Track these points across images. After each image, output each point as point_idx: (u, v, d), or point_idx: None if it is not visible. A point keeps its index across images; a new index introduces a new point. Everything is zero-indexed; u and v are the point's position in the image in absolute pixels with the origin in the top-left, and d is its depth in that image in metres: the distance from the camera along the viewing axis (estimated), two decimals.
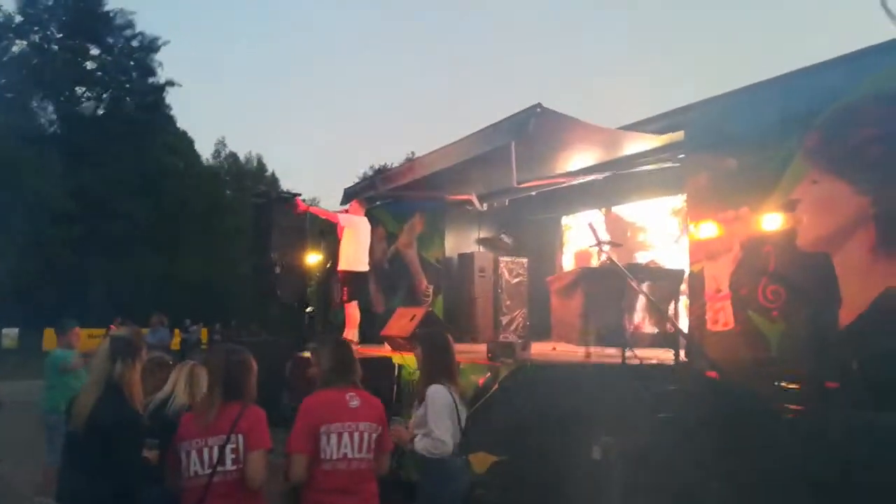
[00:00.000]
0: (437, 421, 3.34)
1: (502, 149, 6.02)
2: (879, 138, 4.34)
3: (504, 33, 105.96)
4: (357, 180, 38.16)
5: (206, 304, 26.76)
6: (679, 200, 7.92)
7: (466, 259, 9.25)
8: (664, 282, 6.32)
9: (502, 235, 9.58)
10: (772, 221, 4.97)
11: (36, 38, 33.71)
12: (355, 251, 7.88)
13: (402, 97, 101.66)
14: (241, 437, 2.81)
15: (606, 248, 5.85)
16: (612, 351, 6.40)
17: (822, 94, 4.72)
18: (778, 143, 4.94)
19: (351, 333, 7.87)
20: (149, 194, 31.78)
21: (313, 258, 11.11)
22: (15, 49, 33.49)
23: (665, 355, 6.02)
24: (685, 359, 5.65)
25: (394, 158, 41.65)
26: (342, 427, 2.99)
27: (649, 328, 6.86)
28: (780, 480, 4.73)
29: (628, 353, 5.32)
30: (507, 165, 6.40)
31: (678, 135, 5.97)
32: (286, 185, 40.18)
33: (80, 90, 34.76)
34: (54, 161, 28.26)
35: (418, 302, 9.50)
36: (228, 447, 2.79)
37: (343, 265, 7.93)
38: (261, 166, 44.63)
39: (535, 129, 5.34)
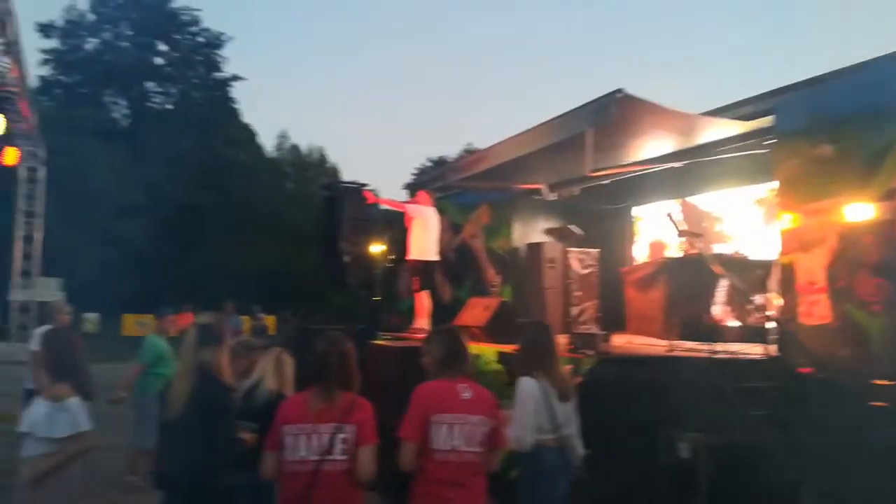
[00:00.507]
0: (517, 415, 3.30)
1: (577, 136, 5.89)
2: None
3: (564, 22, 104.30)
4: (415, 172, 38.57)
5: (272, 292, 27.37)
6: (762, 189, 7.60)
7: (535, 249, 9.12)
8: (751, 273, 6.08)
9: (571, 226, 9.40)
10: (871, 211, 4.69)
11: (108, 35, 35.01)
12: (425, 240, 7.89)
13: (459, 89, 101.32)
14: (353, 427, 2.81)
15: (689, 238, 5.66)
16: (692, 344, 6.22)
17: None
18: (878, 129, 4.65)
19: (422, 322, 7.89)
20: (214, 186, 32.70)
21: (379, 248, 11.22)
22: (88, 46, 34.91)
23: (752, 349, 5.80)
24: (776, 353, 5.42)
25: (450, 151, 41.62)
26: (453, 418, 2.95)
27: (733, 321, 6.65)
28: (878, 482, 4.50)
29: (717, 347, 5.12)
30: (582, 153, 6.27)
31: (766, 120, 5.70)
32: (346, 176, 40.79)
33: (149, 85, 35.95)
34: (125, 154, 29.39)
35: (486, 292, 9.44)
36: (339, 436, 2.79)
37: (413, 254, 7.95)
38: (322, 158, 45.27)
39: (614, 115, 5.19)
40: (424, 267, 7.96)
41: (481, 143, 41.74)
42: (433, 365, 3.15)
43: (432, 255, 7.96)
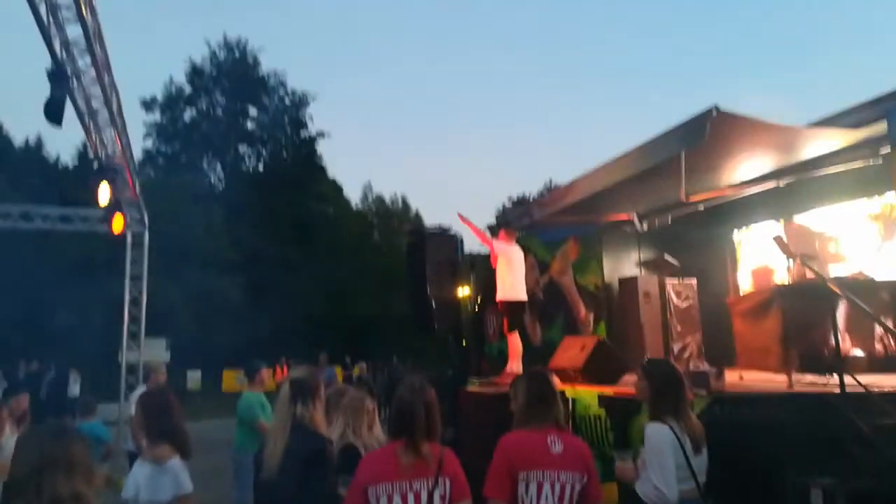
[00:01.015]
0: (655, 465, 2.95)
1: (669, 160, 5.57)
2: None
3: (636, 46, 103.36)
4: (496, 213, 38.58)
5: (362, 341, 27.76)
6: (876, 203, 6.95)
7: (629, 283, 8.72)
8: (876, 296, 5.49)
9: (666, 256, 8.95)
10: None
11: (203, 104, 37.40)
12: (511, 279, 7.66)
13: (535, 128, 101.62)
14: (448, 480, 2.60)
15: (802, 261, 5.17)
16: (813, 377, 5.65)
17: None
18: None
19: (515, 365, 7.61)
20: (303, 241, 33.79)
21: (465, 291, 11.07)
22: (185, 115, 37.38)
23: (885, 381, 5.18)
24: None
25: (531, 188, 41.45)
26: (542, 475, 2.68)
27: (857, 350, 6.02)
28: None
29: (848, 380, 4.58)
30: (675, 178, 5.93)
31: (879, 126, 5.19)
32: (429, 221, 41.32)
33: (242, 149, 37.98)
34: (220, 215, 30.92)
35: (578, 331, 9.06)
36: (437, 492, 2.57)
37: (501, 295, 7.72)
38: (405, 206, 46.16)
39: (709, 134, 4.85)
40: (513, 307, 7.71)
41: (562, 178, 41.56)
42: (517, 412, 2.90)
43: (520, 294, 7.71)
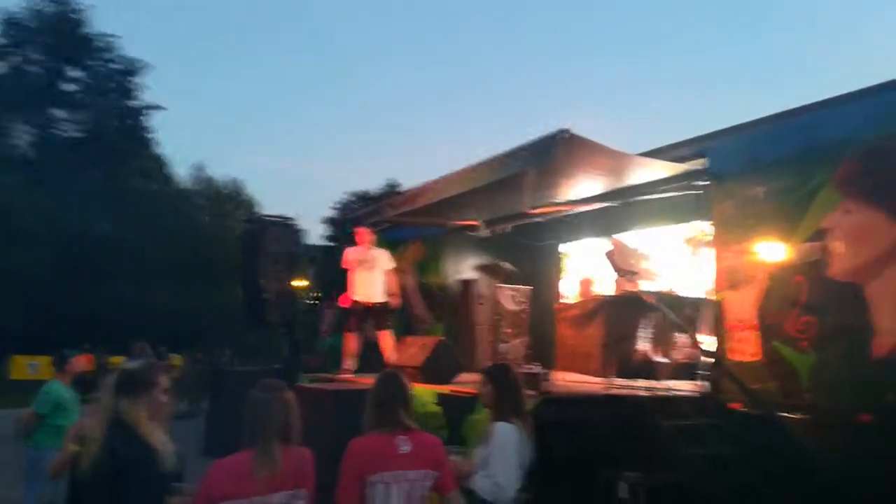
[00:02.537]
0: (501, 463, 3.10)
1: (518, 174, 5.90)
2: None
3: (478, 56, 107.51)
4: (335, 206, 38.13)
5: (178, 331, 26.05)
6: (690, 228, 7.85)
7: (467, 286, 9.07)
8: (681, 310, 6.21)
9: (503, 262, 9.43)
10: (802, 251, 4.89)
11: (17, 60, 33.11)
12: (371, 281, 7.66)
13: (377, 121, 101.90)
14: (304, 491, 2.51)
15: (626, 276, 5.73)
16: (625, 381, 6.26)
17: (856, 123, 4.68)
18: (808, 172, 4.89)
19: (350, 363, 7.64)
20: (121, 219, 31.07)
21: (302, 284, 10.87)
22: None
23: (684, 386, 5.89)
24: (708, 389, 5.51)
25: (371, 185, 41.46)
26: (391, 476, 2.68)
27: (660, 357, 6.75)
28: None
29: (650, 384, 5.16)
30: (520, 190, 6.28)
31: (698, 162, 5.90)
32: (263, 209, 39.84)
33: (58, 112, 34.13)
34: (25, 182, 27.60)
35: (416, 330, 9.27)
36: (297, 503, 2.48)
37: (358, 296, 7.66)
38: (238, 191, 44.09)
39: (557, 155, 5.21)
40: (365, 308, 7.68)
41: (402, 178, 41.99)
42: (368, 415, 2.86)
43: (378, 296, 7.72)
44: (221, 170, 72.52)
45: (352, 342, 7.73)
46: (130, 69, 35.24)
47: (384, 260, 7.82)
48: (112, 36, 34.71)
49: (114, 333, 21.02)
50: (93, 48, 34.23)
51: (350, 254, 7.73)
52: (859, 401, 4.63)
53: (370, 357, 8.11)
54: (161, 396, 2.92)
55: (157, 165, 37.28)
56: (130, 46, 50.27)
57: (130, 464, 2.64)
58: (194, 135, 79.45)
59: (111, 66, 35.00)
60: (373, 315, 7.63)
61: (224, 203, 41.67)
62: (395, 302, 7.90)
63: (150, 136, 36.19)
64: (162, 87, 64.98)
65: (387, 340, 7.53)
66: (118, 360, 17.67)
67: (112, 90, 35.20)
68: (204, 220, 39.64)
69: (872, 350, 4.55)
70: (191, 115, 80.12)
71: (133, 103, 35.65)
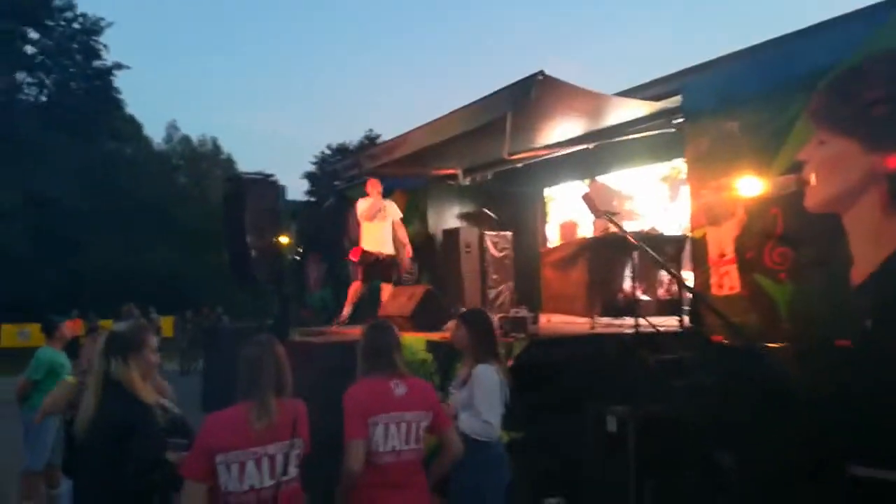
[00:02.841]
0: (486, 402, 3.22)
1: (497, 120, 5.88)
2: (890, 96, 4.31)
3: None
4: (315, 160, 37.68)
5: (167, 293, 26.00)
6: (667, 167, 7.90)
7: (451, 235, 9.11)
8: (663, 248, 6.31)
9: (485, 209, 9.47)
10: (777, 184, 4.95)
11: None
12: (380, 232, 7.75)
13: (356, 74, 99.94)
14: (301, 440, 2.61)
15: (606, 218, 5.79)
16: (610, 320, 6.41)
17: (827, 53, 4.66)
18: (781, 105, 4.89)
19: (348, 311, 7.78)
20: (97, 185, 30.54)
21: (286, 240, 10.86)
22: None
23: (668, 322, 6.02)
24: (691, 324, 5.65)
25: (351, 138, 40.94)
26: (388, 418, 2.82)
27: (644, 296, 6.88)
28: (791, 442, 4.77)
29: (642, 322, 5.27)
30: (500, 137, 6.27)
31: (674, 100, 5.90)
32: (242, 166, 39.34)
33: (19, 76, 33.09)
34: None
35: (402, 281, 9.35)
36: (294, 453, 2.57)
37: (368, 246, 7.75)
38: (216, 149, 43.40)
39: (535, 98, 5.20)
40: (375, 258, 7.72)
41: (382, 130, 41.49)
42: (361, 362, 2.99)
43: (388, 248, 7.76)
44: (197, 129, 71.26)
45: (355, 291, 7.83)
46: (94, 28, 34.09)
47: (393, 210, 7.86)
48: None
49: (101, 298, 20.99)
50: (52, 7, 32.98)
51: (362, 205, 7.71)
52: (838, 327, 4.73)
53: (361, 309, 8.23)
54: (151, 356, 3.00)
55: (129, 128, 36.49)
56: (91, 3, 48.63)
57: (126, 423, 2.72)
58: (166, 94, 77.74)
59: (73, 26, 33.84)
60: (381, 266, 7.65)
61: (201, 162, 41.05)
62: (408, 252, 7.98)
63: (119, 96, 35.27)
64: (128, 46, 63.03)
65: (388, 293, 7.60)
66: (108, 324, 17.75)
67: (76, 51, 34.09)
68: (181, 180, 39.10)
69: (851, 278, 4.65)
70: (161, 73, 78.16)
71: (98, 63, 34.58)
